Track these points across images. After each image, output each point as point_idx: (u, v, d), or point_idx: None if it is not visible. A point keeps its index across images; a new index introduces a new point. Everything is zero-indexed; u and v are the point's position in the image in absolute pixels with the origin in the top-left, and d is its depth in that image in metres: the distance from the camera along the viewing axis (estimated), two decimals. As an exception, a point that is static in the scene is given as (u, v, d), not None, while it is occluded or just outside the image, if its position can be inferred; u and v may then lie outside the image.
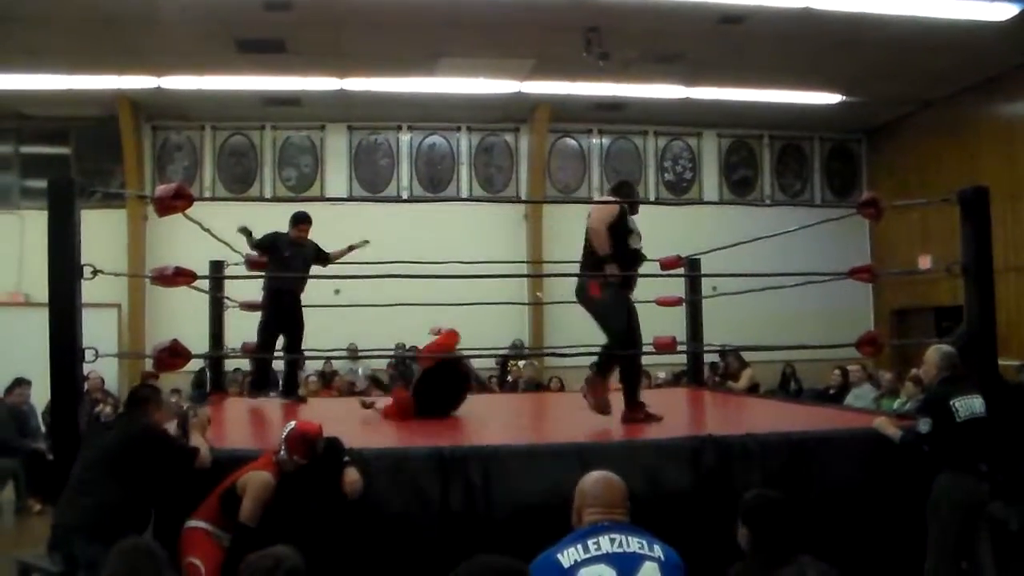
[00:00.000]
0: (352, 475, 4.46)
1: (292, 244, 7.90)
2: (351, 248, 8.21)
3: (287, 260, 7.75)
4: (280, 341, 7.93)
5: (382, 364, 13.18)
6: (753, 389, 11.02)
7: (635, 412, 5.93)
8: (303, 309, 7.96)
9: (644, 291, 8.34)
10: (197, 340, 7.04)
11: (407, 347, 11.36)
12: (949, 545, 4.77)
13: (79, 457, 4.36)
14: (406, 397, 6.75)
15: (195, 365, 10.59)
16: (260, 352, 7.95)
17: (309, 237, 8.06)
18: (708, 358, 10.48)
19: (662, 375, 12.73)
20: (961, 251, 5.87)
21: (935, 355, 5.22)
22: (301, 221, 8.00)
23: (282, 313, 7.84)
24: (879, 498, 5.02)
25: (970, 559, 4.89)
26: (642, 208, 6.33)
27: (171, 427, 4.93)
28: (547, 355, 13.36)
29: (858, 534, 4.92)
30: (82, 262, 4.83)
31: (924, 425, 4.92)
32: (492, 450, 4.91)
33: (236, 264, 7.84)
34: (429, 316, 8.18)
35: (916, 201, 11.15)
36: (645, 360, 11.89)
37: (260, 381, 8.35)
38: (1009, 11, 10.38)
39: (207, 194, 14.18)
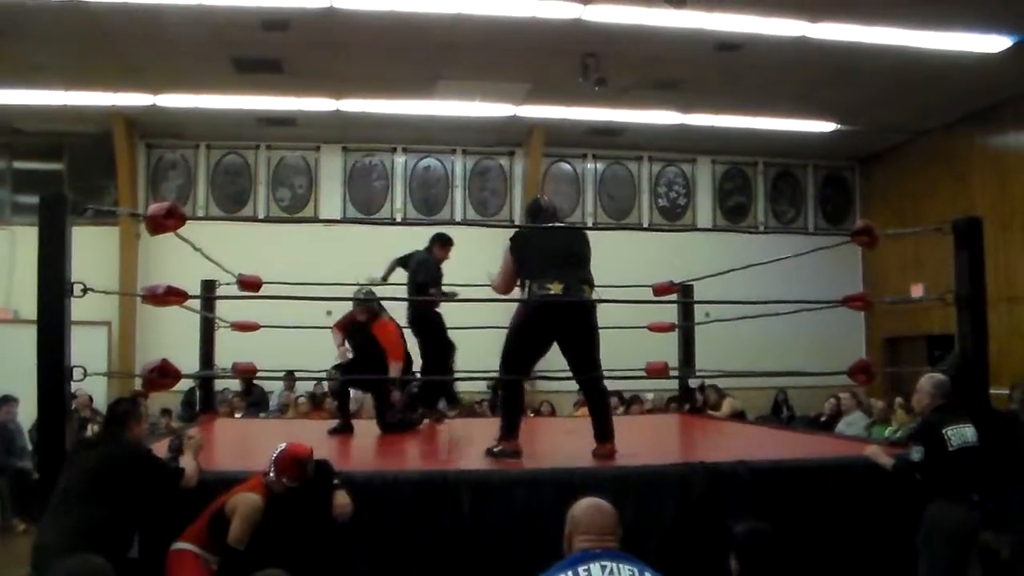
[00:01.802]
0: (342, 498, 4.44)
1: (439, 267, 7.96)
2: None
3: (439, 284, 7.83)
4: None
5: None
6: (737, 417, 11.01)
7: (613, 443, 5.59)
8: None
9: (637, 317, 8.37)
10: (187, 360, 7.00)
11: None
12: (940, 574, 4.75)
13: (62, 476, 4.31)
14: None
15: (185, 385, 10.53)
16: (433, 373, 7.94)
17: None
18: (694, 385, 10.48)
19: (651, 396, 12.72)
20: (955, 280, 5.88)
21: (928, 383, 5.22)
22: (450, 243, 8.06)
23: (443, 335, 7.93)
24: (870, 527, 5.01)
25: (962, 588, 4.87)
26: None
27: (161, 448, 4.89)
28: (538, 379, 13.31)
29: (849, 562, 4.90)
30: (72, 279, 4.80)
31: (917, 453, 4.91)
32: (482, 475, 4.89)
33: (228, 284, 7.82)
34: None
35: (910, 230, 11.19)
36: (636, 384, 11.94)
37: (430, 398, 8.39)
38: (1002, 43, 10.45)
39: (200, 213, 14.15)
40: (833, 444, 7.03)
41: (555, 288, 5.42)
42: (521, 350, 5.64)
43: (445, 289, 7.86)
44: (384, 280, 7.98)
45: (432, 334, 7.84)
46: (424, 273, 7.77)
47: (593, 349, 5.64)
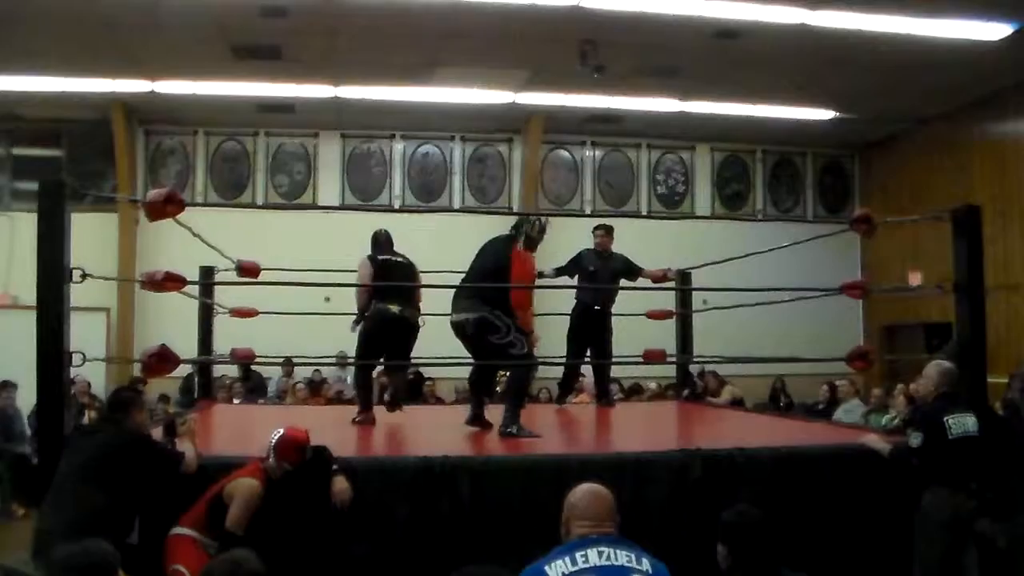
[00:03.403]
0: (341, 484, 4.45)
1: (597, 256, 8.20)
2: (667, 276, 8.38)
3: (593, 275, 8.06)
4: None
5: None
6: (736, 404, 11.01)
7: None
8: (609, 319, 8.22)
9: (635, 304, 8.38)
10: (186, 346, 7.01)
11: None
12: (935, 561, 4.77)
13: (63, 462, 4.33)
14: None
15: (184, 371, 10.52)
16: (570, 359, 8.40)
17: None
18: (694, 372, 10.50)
19: (653, 385, 12.73)
20: (953, 268, 5.89)
21: (935, 370, 5.22)
22: (596, 228, 8.36)
23: (588, 324, 8.13)
24: (867, 513, 5.02)
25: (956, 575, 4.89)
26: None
27: (157, 432, 4.91)
28: (537, 365, 13.31)
29: (845, 549, 4.91)
30: (71, 265, 4.80)
31: (915, 439, 4.92)
32: (481, 460, 4.90)
33: (226, 270, 7.82)
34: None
35: (909, 218, 11.18)
36: (637, 371, 11.96)
37: (566, 383, 8.83)
38: (1003, 31, 10.43)
39: (199, 199, 14.11)
40: (830, 431, 7.05)
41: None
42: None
43: None
44: None
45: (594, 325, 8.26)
46: (580, 266, 8.29)
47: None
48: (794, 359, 8.35)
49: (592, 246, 8.32)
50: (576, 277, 8.23)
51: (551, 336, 8.75)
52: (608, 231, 8.31)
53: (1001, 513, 5.70)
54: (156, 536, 4.29)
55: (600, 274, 8.08)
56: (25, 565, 4.38)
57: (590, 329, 8.14)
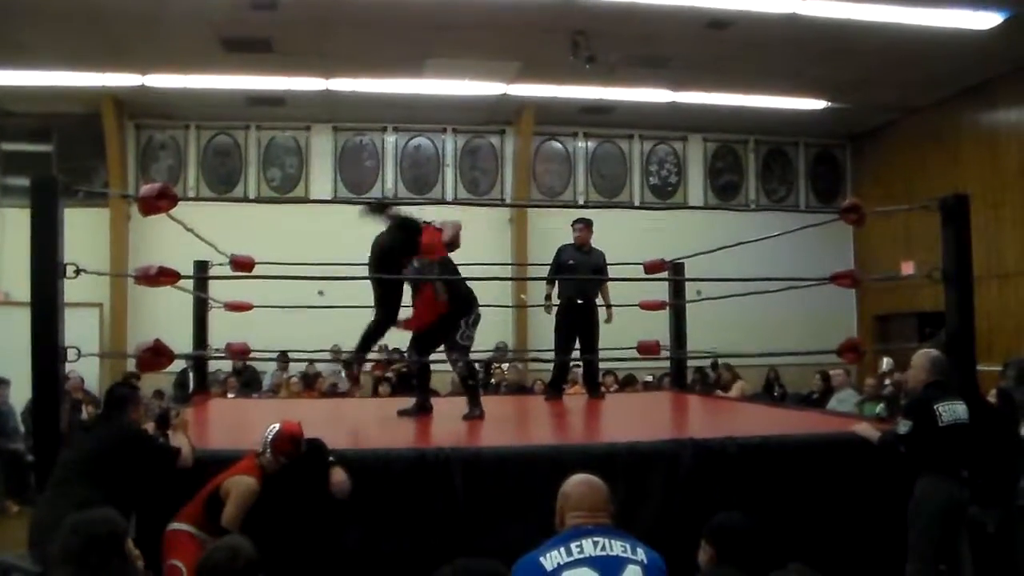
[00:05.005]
0: (339, 475, 4.46)
1: (576, 250, 8.15)
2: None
3: (572, 269, 8.02)
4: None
5: (366, 366, 13.14)
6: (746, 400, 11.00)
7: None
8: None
9: (628, 295, 8.39)
10: (180, 340, 6.99)
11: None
12: (929, 548, 4.79)
13: (60, 457, 4.33)
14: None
15: (178, 366, 10.52)
16: (558, 355, 8.30)
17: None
18: (695, 363, 10.49)
19: (649, 378, 12.75)
20: (942, 257, 5.91)
21: (923, 359, 5.24)
22: (576, 222, 8.23)
23: (572, 318, 8.03)
24: (859, 502, 5.04)
25: (950, 562, 4.92)
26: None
27: (150, 426, 4.91)
28: (531, 359, 13.35)
29: (838, 537, 4.93)
30: (64, 261, 4.80)
31: (903, 426, 4.95)
32: (474, 452, 4.91)
33: (220, 264, 7.80)
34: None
35: (897, 207, 11.21)
36: (630, 363, 11.99)
37: (557, 381, 8.61)
38: (993, 20, 10.45)
39: (191, 194, 14.11)
40: (823, 420, 7.07)
41: None
42: None
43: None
44: None
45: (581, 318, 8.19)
46: (559, 260, 8.30)
47: None
48: (784, 352, 8.38)
49: (572, 240, 8.23)
50: (558, 274, 8.20)
51: (549, 328, 8.74)
52: (587, 225, 8.17)
53: (990, 499, 5.75)
54: (153, 531, 4.29)
55: (579, 268, 8.01)
56: (22, 560, 4.39)
57: (576, 323, 8.09)
